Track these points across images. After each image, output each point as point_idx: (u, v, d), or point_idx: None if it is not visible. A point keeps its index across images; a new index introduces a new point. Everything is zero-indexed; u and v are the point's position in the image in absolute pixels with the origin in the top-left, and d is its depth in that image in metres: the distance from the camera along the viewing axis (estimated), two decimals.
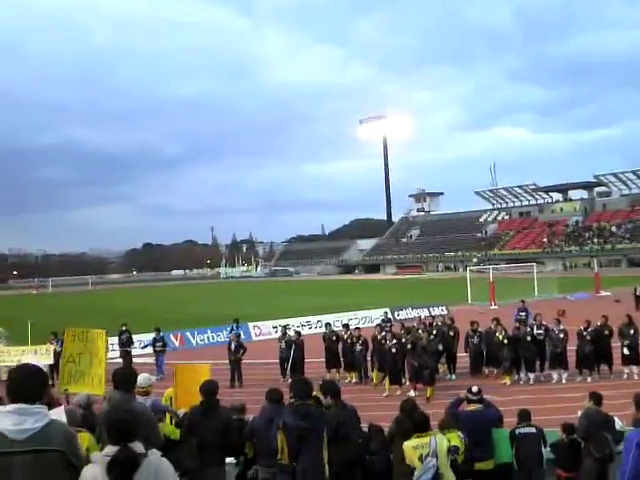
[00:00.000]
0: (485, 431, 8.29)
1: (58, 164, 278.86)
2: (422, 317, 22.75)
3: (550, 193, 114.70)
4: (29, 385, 3.58)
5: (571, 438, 8.46)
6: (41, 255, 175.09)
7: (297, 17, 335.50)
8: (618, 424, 8.69)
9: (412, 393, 15.70)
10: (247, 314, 34.77)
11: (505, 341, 17.18)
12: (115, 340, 21.68)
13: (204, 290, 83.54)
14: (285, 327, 20.99)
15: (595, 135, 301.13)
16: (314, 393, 6.90)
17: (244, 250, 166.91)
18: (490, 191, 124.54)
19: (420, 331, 17.93)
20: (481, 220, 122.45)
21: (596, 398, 8.64)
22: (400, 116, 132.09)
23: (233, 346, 19.10)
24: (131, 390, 6.20)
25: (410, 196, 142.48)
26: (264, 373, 19.49)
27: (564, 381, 16.86)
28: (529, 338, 17.04)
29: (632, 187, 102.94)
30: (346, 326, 19.66)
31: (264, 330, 29.49)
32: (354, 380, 18.35)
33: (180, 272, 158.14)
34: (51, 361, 17.74)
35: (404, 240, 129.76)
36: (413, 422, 7.10)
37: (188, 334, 28.37)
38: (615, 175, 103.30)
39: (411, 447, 6.68)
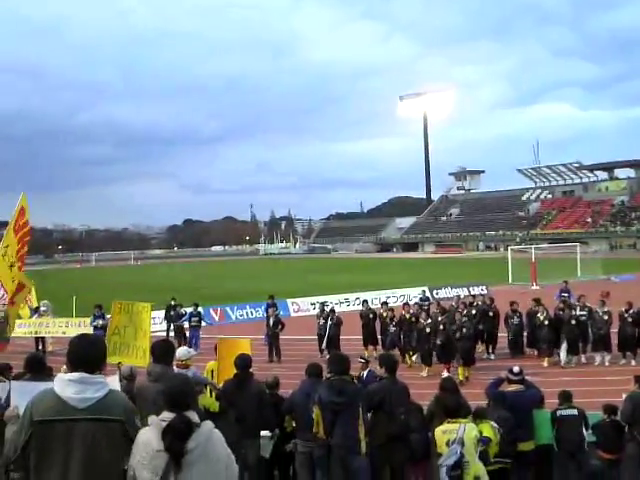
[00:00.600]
0: (526, 412, 8.21)
1: (101, 142, 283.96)
2: (461, 296, 22.65)
3: (595, 171, 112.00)
4: (89, 354, 3.67)
5: (613, 419, 8.34)
6: (85, 230, 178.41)
7: None
8: None
9: (445, 374, 15.70)
10: (286, 290, 35.00)
11: (546, 322, 16.95)
12: (156, 314, 22.02)
13: (243, 266, 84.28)
14: (323, 304, 21.07)
15: None
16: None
17: (283, 227, 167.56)
18: (533, 169, 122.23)
19: (458, 311, 17.69)
20: (523, 199, 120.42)
21: None
22: (441, 93, 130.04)
23: (271, 321, 19.29)
24: (169, 363, 6.29)
25: (450, 174, 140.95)
26: (302, 349, 19.61)
27: (607, 364, 16.59)
28: (573, 321, 16.68)
29: None
30: (385, 304, 19.63)
31: (302, 306, 29.68)
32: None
33: (220, 248, 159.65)
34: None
35: (443, 219, 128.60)
36: (445, 407, 7.07)
37: (228, 309, 28.70)
38: None
39: (441, 431, 6.69)
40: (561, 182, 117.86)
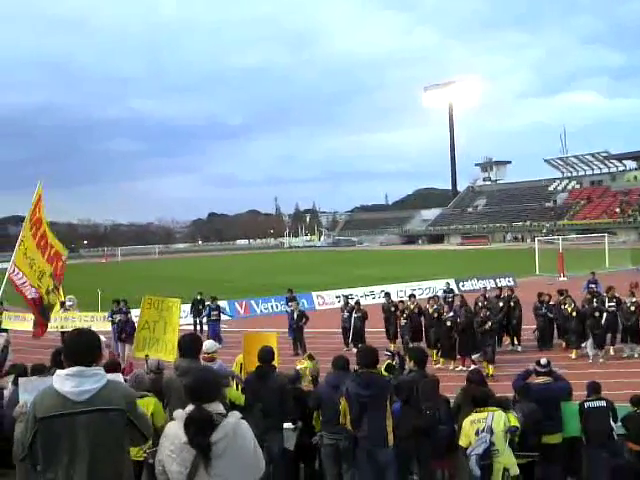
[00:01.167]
0: (554, 404, 8.13)
1: (125, 135, 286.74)
2: (488, 288, 22.49)
3: (623, 161, 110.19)
4: (84, 348, 3.72)
5: None
6: (110, 225, 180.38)
7: None
8: None
9: (459, 368, 15.70)
10: (310, 283, 35.07)
11: (574, 314, 16.74)
12: (183, 307, 22.19)
13: (268, 259, 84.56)
14: (347, 297, 21.02)
15: None
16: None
17: (307, 220, 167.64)
18: (560, 159, 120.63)
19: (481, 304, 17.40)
20: (550, 189, 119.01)
21: None
22: (466, 83, 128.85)
23: (295, 315, 19.35)
24: (197, 357, 6.32)
25: (476, 165, 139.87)
26: (327, 342, 19.61)
27: (636, 355, 16.36)
28: (597, 314, 16.36)
29: None
30: (412, 296, 19.50)
31: (327, 300, 29.68)
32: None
33: (244, 242, 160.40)
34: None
35: (470, 210, 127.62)
36: (473, 398, 7.04)
37: (253, 302, 28.83)
38: None
39: (469, 422, 6.67)
40: (589, 172, 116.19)
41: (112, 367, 6.36)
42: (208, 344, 8.03)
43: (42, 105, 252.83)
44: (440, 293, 22.92)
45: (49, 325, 20.06)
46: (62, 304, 21.61)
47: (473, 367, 13.78)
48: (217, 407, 3.63)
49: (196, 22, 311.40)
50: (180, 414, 3.60)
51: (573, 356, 16.41)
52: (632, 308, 16.48)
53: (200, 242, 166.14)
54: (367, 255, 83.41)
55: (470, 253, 75.80)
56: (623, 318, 16.57)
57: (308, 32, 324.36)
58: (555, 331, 17.92)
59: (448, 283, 25.75)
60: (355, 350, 16.61)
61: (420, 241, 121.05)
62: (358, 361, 6.89)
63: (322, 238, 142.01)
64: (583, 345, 16.43)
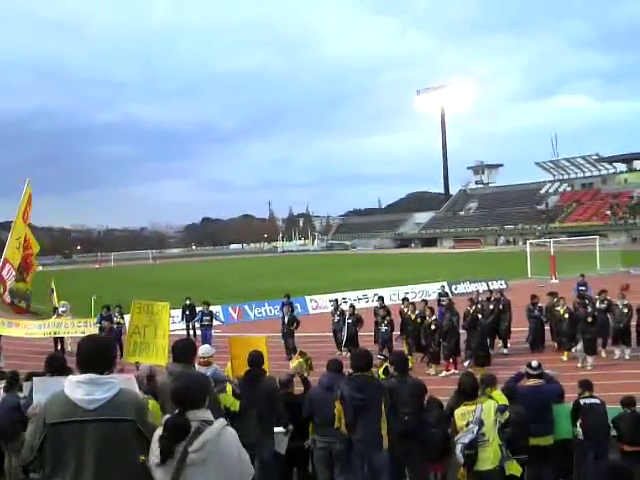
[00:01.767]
0: (545, 406, 8.18)
1: (118, 140, 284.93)
2: (480, 291, 22.52)
3: (614, 163, 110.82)
4: (97, 355, 3.71)
5: (634, 411, 8.30)
6: (103, 230, 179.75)
7: None
8: None
9: (443, 374, 15.74)
10: (304, 287, 35.07)
11: (566, 315, 16.82)
12: (175, 312, 22.21)
13: (262, 264, 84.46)
14: (337, 301, 21.09)
15: None
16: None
17: (301, 224, 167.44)
18: (551, 162, 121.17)
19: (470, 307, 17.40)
20: (542, 192, 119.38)
21: None
22: (458, 86, 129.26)
23: (286, 319, 19.36)
24: (190, 362, 6.33)
25: (468, 168, 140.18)
26: (321, 346, 19.63)
27: (627, 357, 16.46)
28: (589, 319, 16.30)
29: None
30: (406, 300, 19.52)
31: (321, 303, 29.67)
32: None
33: (238, 246, 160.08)
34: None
35: (462, 213, 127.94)
36: (462, 390, 7.12)
37: (246, 307, 28.77)
38: None
39: (459, 414, 6.76)
40: (580, 175, 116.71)
41: (56, 362, 6.32)
42: (204, 349, 8.05)
43: (35, 109, 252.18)
44: (432, 296, 23.01)
45: (43, 332, 20.10)
46: (55, 310, 21.61)
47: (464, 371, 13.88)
48: (203, 414, 3.60)
49: (190, 26, 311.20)
50: (165, 419, 3.60)
51: (565, 358, 16.47)
52: (624, 310, 16.58)
53: (194, 247, 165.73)
54: (360, 259, 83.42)
55: (462, 256, 75.93)
56: (614, 320, 16.67)
57: (301, 37, 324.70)
58: (548, 333, 17.99)
59: (443, 287, 25.72)
60: (347, 354, 16.71)
61: (413, 244, 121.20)
62: (352, 364, 6.93)
63: (315, 242, 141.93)
64: (573, 350, 16.34)
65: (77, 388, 3.57)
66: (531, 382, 8.44)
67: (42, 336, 20.19)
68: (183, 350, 6.24)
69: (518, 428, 7.50)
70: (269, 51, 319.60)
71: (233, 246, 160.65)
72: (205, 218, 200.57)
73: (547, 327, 18.04)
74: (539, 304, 18.11)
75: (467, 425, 6.59)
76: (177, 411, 3.58)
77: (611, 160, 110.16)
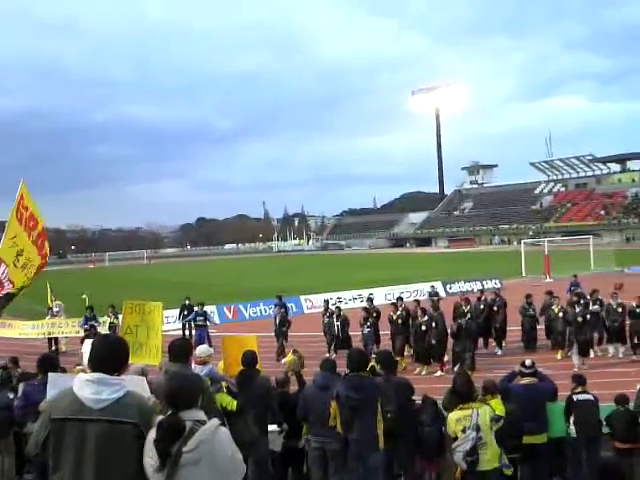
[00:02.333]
0: (539, 405, 8.20)
1: (114, 140, 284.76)
2: (474, 290, 22.55)
3: (608, 164, 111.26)
4: (109, 355, 3.69)
5: (627, 409, 8.33)
6: (98, 230, 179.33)
7: None
8: None
9: (439, 373, 15.73)
10: (299, 287, 35.06)
11: (560, 314, 16.83)
12: (170, 312, 22.20)
13: (257, 264, 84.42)
14: (327, 301, 21.09)
15: None
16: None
17: (296, 224, 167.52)
18: (545, 162, 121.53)
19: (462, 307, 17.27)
20: (536, 192, 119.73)
21: None
22: (453, 87, 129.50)
23: (277, 320, 19.35)
24: (187, 361, 6.32)
25: (463, 169, 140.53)
26: (315, 345, 19.60)
27: (621, 355, 16.50)
28: (580, 319, 16.07)
29: None
30: (400, 299, 19.47)
31: (316, 303, 29.64)
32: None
33: (233, 246, 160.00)
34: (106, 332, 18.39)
35: (456, 213, 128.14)
36: (456, 393, 7.11)
37: (241, 307, 28.77)
38: None
39: (454, 419, 6.73)
40: (574, 175, 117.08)
41: (48, 363, 6.29)
42: (201, 348, 8.06)
43: (31, 109, 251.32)
44: (426, 296, 22.95)
45: (37, 332, 20.07)
46: (49, 310, 21.57)
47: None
48: (197, 414, 3.57)
49: (186, 27, 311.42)
50: (159, 419, 3.57)
51: (559, 357, 16.50)
52: (619, 310, 16.61)
53: (189, 247, 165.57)
54: (355, 259, 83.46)
55: (457, 256, 76.03)
56: (609, 319, 16.69)
57: (297, 38, 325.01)
58: (542, 332, 18.02)
59: (433, 286, 25.41)
60: (335, 355, 16.67)
61: (408, 244, 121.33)
62: (348, 364, 6.93)
63: (310, 242, 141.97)
64: (569, 354, 16.10)
65: (85, 386, 3.55)
66: (525, 381, 8.46)
67: (36, 336, 20.17)
68: (180, 349, 6.22)
69: (511, 427, 7.50)
70: (265, 52, 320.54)
71: (228, 246, 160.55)
72: (200, 218, 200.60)
73: (542, 326, 18.05)
74: (534, 303, 18.15)
75: (464, 431, 6.59)
76: (170, 412, 3.55)
77: (605, 160, 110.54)
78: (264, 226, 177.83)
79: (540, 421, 8.18)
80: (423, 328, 16.17)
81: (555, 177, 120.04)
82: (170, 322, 22.29)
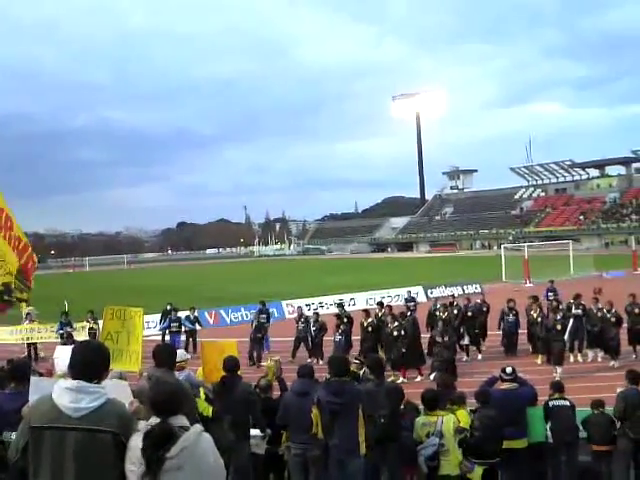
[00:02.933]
0: (519, 409, 8.26)
1: (94, 145, 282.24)
2: (456, 295, 22.49)
3: (587, 169, 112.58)
4: (89, 362, 3.65)
5: (602, 412, 8.41)
6: (77, 235, 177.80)
7: None
8: None
9: (419, 378, 15.68)
10: (280, 292, 35.00)
11: (539, 319, 16.92)
12: (150, 318, 22.04)
13: (238, 268, 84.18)
14: (301, 308, 21.11)
15: (635, 110, 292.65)
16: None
17: (277, 229, 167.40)
18: (525, 167, 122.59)
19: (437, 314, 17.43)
20: (516, 197, 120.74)
21: (632, 377, 8.40)
22: (434, 93, 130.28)
23: (254, 325, 19.29)
24: (171, 367, 6.28)
25: (443, 174, 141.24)
26: (297, 351, 19.58)
27: (599, 359, 16.63)
28: (559, 327, 15.74)
29: None
30: (380, 304, 19.46)
31: (296, 308, 29.62)
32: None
33: (214, 251, 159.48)
34: (86, 338, 18.23)
35: (437, 218, 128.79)
36: (422, 400, 7.19)
37: (222, 312, 28.64)
38: None
39: (420, 424, 6.87)
40: (553, 180, 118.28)
41: (19, 371, 6.18)
42: (177, 353, 8.00)
43: (9, 113, 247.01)
44: (402, 302, 22.81)
45: (15, 337, 19.81)
46: (27, 315, 21.28)
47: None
48: (181, 420, 3.56)
49: (166, 31, 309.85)
50: (142, 426, 3.54)
51: (539, 361, 16.58)
52: (599, 314, 16.73)
53: (169, 251, 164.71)
54: (336, 263, 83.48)
55: (438, 260, 76.37)
56: (589, 324, 16.77)
57: (278, 43, 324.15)
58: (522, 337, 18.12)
59: (409, 292, 24.79)
60: (311, 361, 16.63)
61: (389, 249, 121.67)
62: (329, 370, 6.93)
63: (292, 247, 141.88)
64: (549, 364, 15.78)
65: (64, 394, 3.50)
66: (505, 386, 8.50)
67: (14, 342, 19.92)
68: (164, 355, 6.18)
69: (490, 432, 7.56)
70: (246, 57, 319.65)
71: (209, 251, 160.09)
72: (181, 222, 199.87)
73: (524, 330, 18.15)
74: (515, 308, 18.21)
75: (427, 436, 6.73)
76: (160, 419, 3.52)
77: (584, 166, 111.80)
78: (245, 231, 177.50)
79: (520, 426, 8.23)
80: (395, 334, 16.04)
81: (535, 182, 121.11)
82: (151, 327, 22.14)
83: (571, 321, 16.58)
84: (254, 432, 7.63)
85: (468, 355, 17.92)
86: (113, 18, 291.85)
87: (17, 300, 11.06)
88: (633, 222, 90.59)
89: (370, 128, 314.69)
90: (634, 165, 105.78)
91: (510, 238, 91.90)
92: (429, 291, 32.53)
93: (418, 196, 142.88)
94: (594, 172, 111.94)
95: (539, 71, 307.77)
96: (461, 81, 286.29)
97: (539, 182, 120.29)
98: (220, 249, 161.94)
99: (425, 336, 17.24)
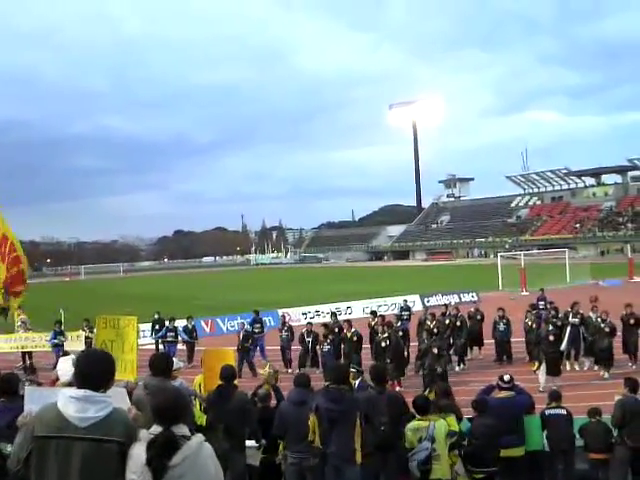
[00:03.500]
0: (516, 418, 8.25)
1: (91, 152, 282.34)
2: (452, 304, 22.48)
3: (583, 177, 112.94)
4: (95, 371, 3.63)
5: (599, 420, 8.40)
6: (73, 243, 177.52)
7: (328, 3, 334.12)
8: None
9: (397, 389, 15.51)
10: (277, 300, 34.93)
11: (534, 326, 16.89)
12: (145, 326, 21.96)
13: (234, 277, 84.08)
14: (284, 317, 21.03)
15: (631, 118, 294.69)
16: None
17: (274, 237, 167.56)
18: (522, 176, 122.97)
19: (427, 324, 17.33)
20: (512, 205, 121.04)
21: (631, 385, 8.41)
22: (430, 101, 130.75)
23: (241, 335, 19.13)
24: (168, 376, 6.26)
25: (440, 182, 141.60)
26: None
27: (596, 368, 16.60)
28: (552, 337, 15.36)
29: None
30: (373, 313, 19.31)
31: (293, 317, 29.44)
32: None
33: (210, 259, 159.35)
34: (83, 347, 18.14)
35: (434, 226, 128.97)
36: (414, 405, 7.20)
37: (219, 320, 28.54)
38: None
39: (412, 429, 6.90)
40: (549, 188, 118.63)
41: (8, 385, 6.12)
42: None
43: (6, 120, 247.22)
44: (396, 311, 22.66)
45: (10, 346, 19.72)
46: (24, 324, 21.20)
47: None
48: (182, 429, 3.56)
49: (163, 39, 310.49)
50: (145, 435, 3.53)
51: (534, 368, 16.51)
52: (596, 323, 16.68)
53: (166, 260, 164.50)
54: (333, 272, 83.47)
55: (435, 269, 76.44)
56: (588, 333, 16.69)
57: (276, 51, 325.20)
58: (516, 345, 18.08)
59: (405, 300, 24.44)
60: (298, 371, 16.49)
61: (386, 257, 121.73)
62: (329, 377, 6.93)
63: (288, 255, 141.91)
64: (537, 372, 15.34)
65: (70, 403, 3.48)
66: (502, 394, 8.50)
67: (9, 350, 19.85)
68: (162, 364, 6.18)
69: (488, 440, 7.54)
70: (243, 64, 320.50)
71: (206, 259, 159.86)
72: (177, 231, 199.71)
73: (518, 338, 18.13)
74: (506, 316, 18.13)
75: (420, 441, 6.76)
76: (163, 427, 3.51)
77: (580, 174, 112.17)
78: (242, 239, 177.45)
79: (517, 434, 8.21)
80: (382, 344, 15.86)
81: (531, 190, 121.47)
82: (146, 336, 22.06)
83: (568, 329, 16.51)
84: (249, 443, 7.59)
85: (452, 364, 17.39)
86: (110, 25, 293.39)
87: None
88: (629, 230, 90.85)
89: (367, 136, 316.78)
90: (630, 173, 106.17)
91: (506, 246, 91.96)
92: (426, 300, 32.48)
93: (415, 204, 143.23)
94: (590, 180, 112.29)
95: (536, 79, 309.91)
96: (458, 89, 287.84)
97: (535, 190, 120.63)
98: (217, 257, 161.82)
99: (415, 344, 17.22)
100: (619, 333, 16.74)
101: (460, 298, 32.51)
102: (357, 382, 9.73)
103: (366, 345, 17.49)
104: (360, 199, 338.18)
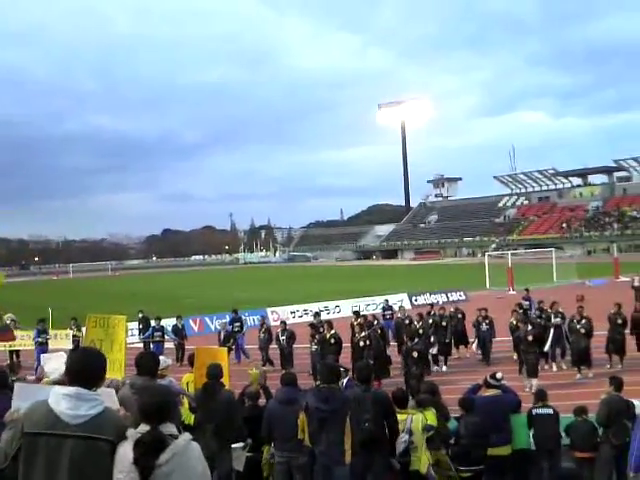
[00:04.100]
0: (503, 416, 8.29)
1: (79, 151, 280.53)
2: (439, 303, 22.51)
3: (569, 178, 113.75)
4: (88, 369, 3.62)
5: (585, 419, 8.47)
6: (61, 241, 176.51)
7: (317, 4, 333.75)
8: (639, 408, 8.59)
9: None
10: (265, 299, 34.92)
11: (520, 325, 16.87)
12: (134, 325, 21.90)
13: (223, 275, 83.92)
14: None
15: (617, 119, 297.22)
16: None
17: (262, 236, 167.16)
18: (509, 176, 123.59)
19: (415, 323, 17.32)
20: (500, 205, 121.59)
21: (617, 383, 8.47)
22: (419, 101, 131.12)
23: (222, 336, 19.20)
24: (154, 375, 6.26)
25: (428, 181, 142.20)
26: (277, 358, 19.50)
27: (573, 369, 16.65)
28: (530, 337, 14.93)
29: None
30: (356, 313, 19.15)
31: (282, 315, 29.52)
32: None
33: (199, 257, 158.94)
34: (70, 345, 18.10)
35: (422, 225, 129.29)
36: (393, 397, 7.27)
37: (207, 319, 28.50)
38: (636, 159, 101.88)
39: None
40: (537, 188, 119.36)
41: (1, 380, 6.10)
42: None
43: None
44: (379, 310, 22.65)
45: None
46: (12, 322, 21.08)
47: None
48: (169, 428, 3.55)
49: (152, 38, 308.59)
50: (132, 433, 3.51)
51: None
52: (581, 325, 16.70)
53: (154, 258, 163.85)
54: (322, 271, 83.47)
55: (423, 268, 76.56)
56: (570, 333, 16.70)
57: (265, 51, 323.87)
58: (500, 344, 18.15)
59: (387, 300, 24.04)
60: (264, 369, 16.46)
61: (374, 256, 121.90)
62: (320, 376, 6.96)
63: (277, 254, 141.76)
64: (520, 375, 15.16)
65: (62, 400, 3.45)
66: (489, 392, 8.54)
67: None
68: (149, 363, 6.17)
69: (475, 439, 7.59)
70: (232, 64, 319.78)
71: (194, 257, 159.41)
72: (166, 229, 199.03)
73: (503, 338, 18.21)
74: (489, 316, 18.02)
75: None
76: (150, 427, 3.49)
77: (567, 175, 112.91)
78: (230, 238, 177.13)
79: (504, 433, 8.25)
80: (361, 344, 15.69)
81: (518, 190, 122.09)
82: (135, 335, 22.02)
83: (552, 331, 16.38)
84: (234, 445, 7.59)
85: (438, 365, 17.46)
86: (98, 24, 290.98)
87: None
88: (615, 230, 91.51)
89: (356, 136, 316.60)
90: (616, 174, 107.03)
91: (494, 246, 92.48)
92: (414, 298, 32.61)
93: (403, 204, 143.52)
94: (577, 181, 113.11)
95: (523, 80, 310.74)
96: (446, 90, 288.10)
97: (523, 190, 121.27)
98: (205, 256, 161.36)
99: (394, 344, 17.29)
100: (604, 332, 16.83)
101: (448, 297, 32.67)
102: (345, 381, 9.79)
103: (348, 345, 17.33)
104: (349, 198, 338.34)
